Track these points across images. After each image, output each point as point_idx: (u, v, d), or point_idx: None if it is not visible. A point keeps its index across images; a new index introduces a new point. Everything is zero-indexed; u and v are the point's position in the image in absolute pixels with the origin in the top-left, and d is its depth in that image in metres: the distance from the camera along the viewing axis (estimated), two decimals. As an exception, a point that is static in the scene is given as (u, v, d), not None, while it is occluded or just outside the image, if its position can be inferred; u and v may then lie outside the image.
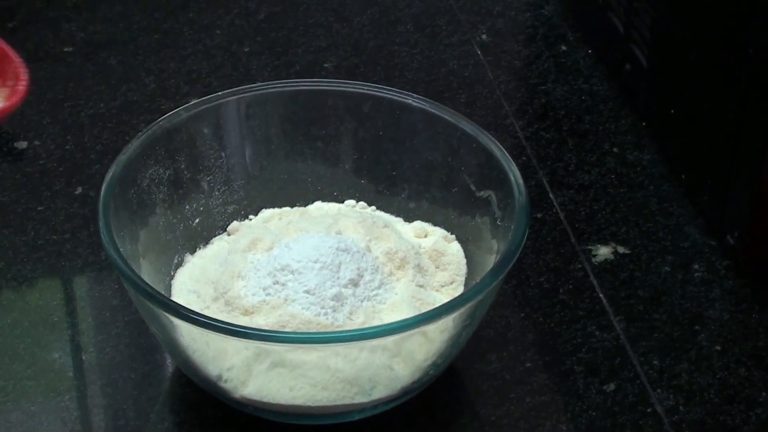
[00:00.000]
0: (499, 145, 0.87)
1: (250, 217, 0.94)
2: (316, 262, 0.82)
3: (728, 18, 0.90)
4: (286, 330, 0.79)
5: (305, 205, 0.95)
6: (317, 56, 1.18)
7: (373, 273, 0.83)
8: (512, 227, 0.81)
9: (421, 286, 0.85)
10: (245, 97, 0.92)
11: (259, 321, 0.80)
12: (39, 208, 1.00)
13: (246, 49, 1.19)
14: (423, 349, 0.80)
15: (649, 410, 0.85)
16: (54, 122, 1.09)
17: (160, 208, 0.88)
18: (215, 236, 0.92)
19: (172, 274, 0.88)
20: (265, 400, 0.79)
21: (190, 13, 1.24)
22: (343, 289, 0.82)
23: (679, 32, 1.00)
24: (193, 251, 0.90)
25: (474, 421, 0.84)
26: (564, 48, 1.19)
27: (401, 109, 0.92)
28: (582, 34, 1.20)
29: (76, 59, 1.17)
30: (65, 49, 1.18)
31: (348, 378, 0.78)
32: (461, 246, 0.90)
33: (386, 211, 0.94)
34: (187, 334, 0.77)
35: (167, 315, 0.75)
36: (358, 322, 0.81)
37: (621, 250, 0.97)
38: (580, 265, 0.96)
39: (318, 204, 0.95)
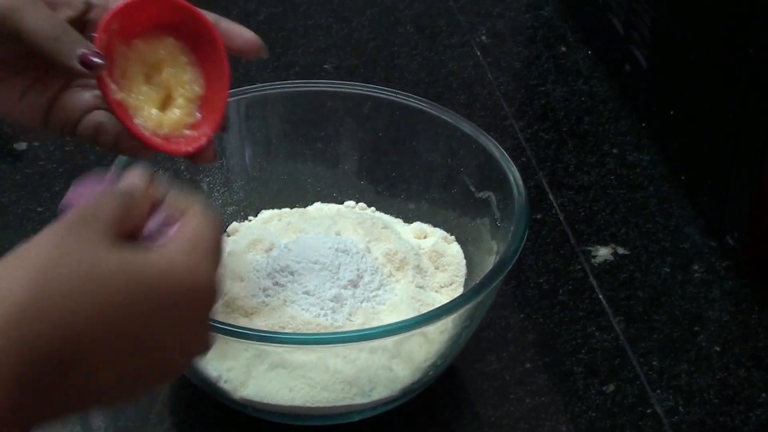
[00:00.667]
0: (498, 146, 0.87)
1: (250, 218, 0.94)
2: (315, 263, 0.82)
3: (728, 18, 0.90)
4: (286, 331, 0.79)
5: (305, 206, 0.95)
6: (317, 57, 1.18)
7: (372, 274, 0.83)
8: (512, 228, 0.81)
9: (420, 287, 0.85)
10: (245, 97, 0.92)
11: (259, 322, 0.80)
12: (39, 209, 1.00)
13: (246, 50, 1.19)
14: (423, 349, 0.80)
15: (648, 411, 0.85)
16: (54, 123, 1.09)
17: (159, 209, 0.88)
18: (215, 237, 0.92)
19: (172, 275, 0.88)
20: (265, 401, 0.79)
21: (190, 15, 1.24)
22: (342, 290, 0.82)
23: (679, 33, 0.99)
24: (192, 252, 0.90)
25: (474, 422, 0.84)
26: (564, 49, 1.19)
27: (401, 110, 0.92)
28: (582, 35, 1.20)
29: (76, 60, 1.17)
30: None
31: (348, 379, 0.78)
32: (461, 247, 0.90)
33: (386, 212, 0.94)
34: (187, 335, 0.77)
35: (167, 316, 0.75)
36: (357, 323, 0.81)
37: (621, 250, 0.97)
38: (579, 266, 0.96)
39: (317, 205, 0.95)
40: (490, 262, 0.84)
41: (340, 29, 1.23)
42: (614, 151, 1.07)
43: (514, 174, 0.85)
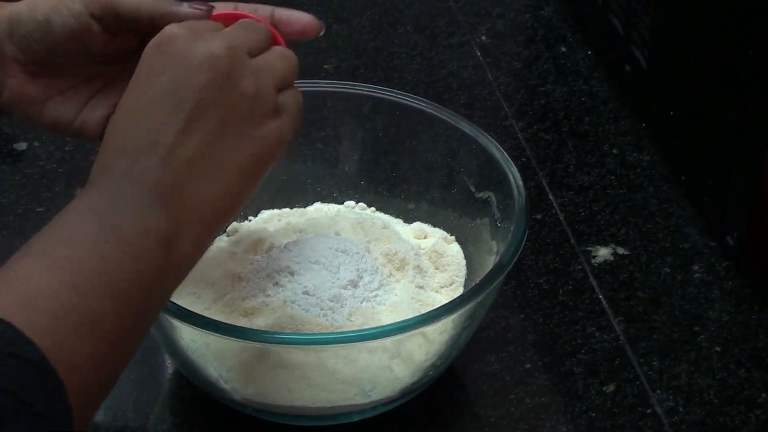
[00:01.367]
0: (498, 146, 0.87)
1: (250, 218, 0.94)
2: (315, 263, 0.82)
3: (728, 18, 0.90)
4: (286, 331, 0.79)
5: (305, 206, 0.95)
6: (317, 57, 1.18)
7: (372, 274, 0.83)
8: (512, 228, 0.81)
9: (420, 287, 0.85)
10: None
11: (259, 322, 0.80)
12: (39, 210, 1.00)
13: (246, 51, 1.19)
14: (423, 350, 0.80)
15: (648, 411, 0.85)
16: (54, 123, 1.09)
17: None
18: (215, 237, 0.92)
19: (172, 275, 0.88)
20: (265, 401, 0.79)
21: (190, 15, 1.24)
22: (342, 291, 0.82)
23: (679, 33, 0.99)
24: (192, 252, 0.90)
25: (474, 422, 0.84)
26: (564, 49, 1.19)
27: (401, 110, 0.91)
28: (582, 36, 1.20)
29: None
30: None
31: (347, 379, 0.78)
32: (461, 247, 0.90)
33: (386, 212, 0.94)
34: (187, 335, 0.77)
35: (167, 316, 0.75)
36: (357, 323, 0.81)
37: (620, 251, 0.97)
38: (579, 266, 0.96)
39: (317, 205, 0.95)
40: (490, 262, 0.84)
41: (340, 29, 1.23)
42: (614, 151, 1.07)
43: (514, 174, 0.85)
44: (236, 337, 0.75)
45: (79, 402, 0.54)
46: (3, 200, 1.01)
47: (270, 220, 0.93)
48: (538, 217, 1.00)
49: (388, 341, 0.78)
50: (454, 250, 0.90)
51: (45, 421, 0.51)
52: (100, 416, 0.84)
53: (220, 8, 0.73)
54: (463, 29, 1.23)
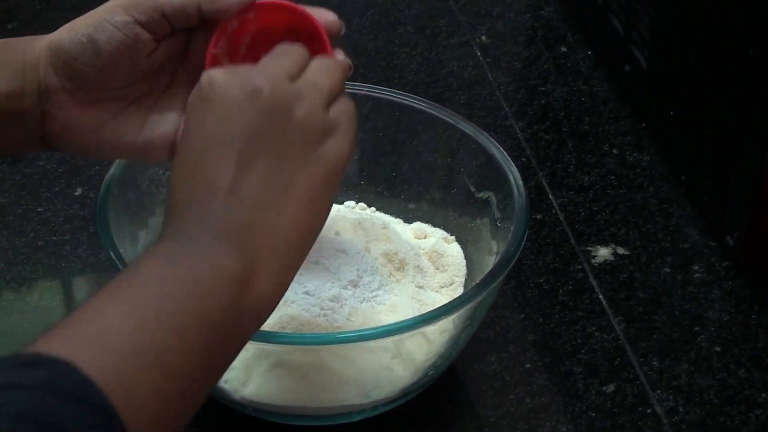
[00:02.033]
0: (498, 146, 0.87)
1: (250, 218, 0.93)
2: (315, 263, 0.82)
3: (728, 18, 0.90)
4: (286, 331, 0.79)
5: (305, 206, 0.94)
6: (317, 57, 1.18)
7: (372, 274, 0.83)
8: (512, 228, 0.81)
9: (420, 287, 0.85)
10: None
11: (259, 322, 0.80)
12: (39, 210, 1.00)
13: (246, 51, 1.19)
14: (423, 350, 0.80)
15: (648, 411, 0.85)
16: (54, 123, 1.09)
17: (159, 209, 0.88)
18: (215, 237, 0.92)
19: (172, 275, 0.88)
20: (265, 401, 0.79)
21: (190, 15, 1.24)
22: (342, 291, 0.82)
23: (679, 33, 0.99)
24: (192, 252, 0.90)
25: (474, 422, 0.84)
26: (564, 49, 1.19)
27: (401, 110, 0.91)
28: (582, 36, 1.20)
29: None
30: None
31: (347, 379, 0.78)
32: (461, 247, 0.90)
33: (386, 212, 0.94)
34: (187, 335, 0.77)
35: (167, 316, 0.75)
36: (357, 323, 0.81)
37: (620, 251, 0.97)
38: (579, 266, 0.96)
39: (318, 205, 0.94)
40: (490, 262, 0.84)
41: (340, 29, 1.22)
42: (614, 151, 1.07)
43: (514, 174, 0.85)
44: (236, 337, 0.75)
45: None
46: (3, 200, 1.01)
47: (270, 220, 0.93)
48: (538, 217, 1.00)
49: (388, 341, 0.78)
50: (454, 250, 0.90)
51: None
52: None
53: None
54: (463, 29, 1.23)
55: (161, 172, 0.87)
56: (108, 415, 0.51)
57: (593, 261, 0.96)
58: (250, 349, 0.77)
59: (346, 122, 0.66)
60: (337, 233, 0.87)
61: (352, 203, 0.95)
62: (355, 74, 1.15)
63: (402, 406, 0.82)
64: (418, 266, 0.86)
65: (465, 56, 1.19)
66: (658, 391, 0.86)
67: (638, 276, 0.95)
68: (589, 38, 1.19)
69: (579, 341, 0.90)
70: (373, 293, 0.83)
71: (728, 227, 0.95)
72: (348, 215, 0.91)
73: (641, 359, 0.88)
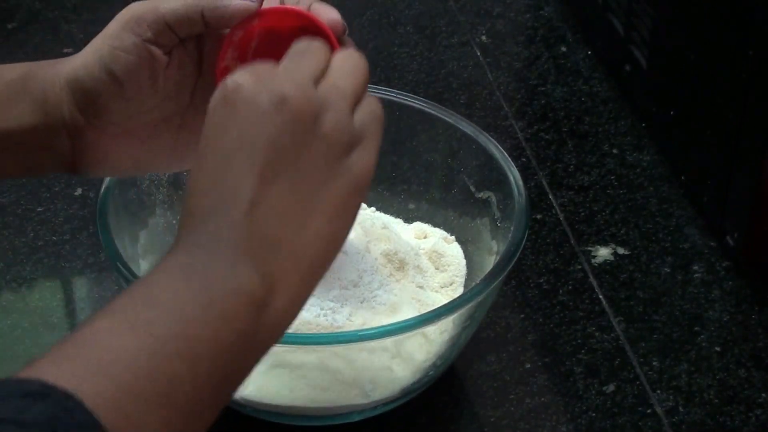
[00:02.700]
0: (498, 146, 0.87)
1: (250, 218, 0.93)
2: (315, 263, 0.82)
3: (728, 18, 0.90)
4: (286, 331, 0.79)
5: (305, 206, 0.94)
6: (317, 57, 1.18)
7: (372, 274, 0.83)
8: (512, 228, 0.81)
9: (420, 287, 0.85)
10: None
11: (259, 322, 0.80)
12: (38, 209, 1.00)
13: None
14: (423, 350, 0.80)
15: (648, 411, 0.85)
16: (54, 123, 1.09)
17: (159, 209, 0.88)
18: (215, 237, 0.92)
19: (172, 275, 0.88)
20: (265, 401, 0.79)
21: (190, 15, 1.24)
22: (342, 291, 0.82)
23: (679, 33, 0.99)
24: (192, 252, 0.90)
25: (474, 422, 0.84)
26: (564, 49, 1.19)
27: (401, 110, 0.91)
28: (582, 36, 1.20)
29: (76, 60, 1.17)
30: (65, 50, 1.17)
31: (347, 379, 0.78)
32: (461, 247, 0.90)
33: (386, 212, 0.94)
34: (187, 335, 0.77)
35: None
36: (357, 323, 0.81)
37: (621, 251, 0.97)
38: (579, 266, 0.96)
39: (318, 205, 0.94)
40: (490, 262, 0.84)
41: (340, 29, 1.22)
42: (614, 151, 1.07)
43: (514, 174, 0.85)
44: (236, 337, 0.75)
45: None
46: (3, 200, 1.01)
47: (270, 220, 0.93)
48: (538, 217, 1.00)
49: (388, 341, 0.78)
50: (454, 250, 0.90)
51: None
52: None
53: (267, 3, 0.71)
54: (463, 29, 1.23)
55: (161, 176, 0.87)
56: None
57: (593, 261, 0.96)
58: (250, 349, 0.77)
59: (372, 129, 0.63)
60: (337, 233, 0.87)
61: (352, 203, 0.94)
62: (355, 74, 1.16)
63: (402, 406, 0.82)
64: (418, 266, 0.86)
65: (465, 56, 1.19)
66: (658, 391, 0.86)
67: (638, 276, 0.95)
68: (589, 38, 1.19)
69: (579, 341, 0.90)
70: (373, 293, 0.83)
71: (728, 227, 0.95)
72: (348, 215, 0.91)
73: (641, 359, 0.88)
